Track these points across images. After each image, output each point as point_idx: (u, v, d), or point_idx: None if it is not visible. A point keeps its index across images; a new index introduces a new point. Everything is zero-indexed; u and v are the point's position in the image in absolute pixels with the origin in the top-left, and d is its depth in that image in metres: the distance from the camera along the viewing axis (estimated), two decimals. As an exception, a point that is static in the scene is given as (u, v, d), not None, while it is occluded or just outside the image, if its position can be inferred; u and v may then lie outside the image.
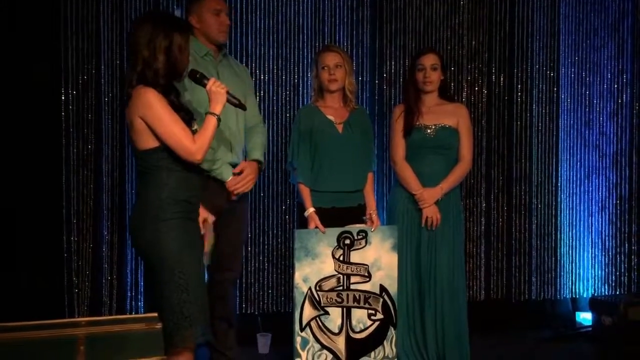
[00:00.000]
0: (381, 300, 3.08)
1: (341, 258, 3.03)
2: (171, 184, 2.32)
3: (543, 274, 4.17)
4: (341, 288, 3.04)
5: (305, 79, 3.86)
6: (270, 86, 3.85)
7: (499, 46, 4.08)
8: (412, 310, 3.24)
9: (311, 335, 3.00)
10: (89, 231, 3.60)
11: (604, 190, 4.24)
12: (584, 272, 4.24)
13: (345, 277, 3.04)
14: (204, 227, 2.49)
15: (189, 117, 2.40)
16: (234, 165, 2.99)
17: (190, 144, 2.30)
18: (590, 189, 4.24)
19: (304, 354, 2.99)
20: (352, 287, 3.05)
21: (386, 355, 3.09)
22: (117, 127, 3.64)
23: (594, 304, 3.94)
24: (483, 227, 4.10)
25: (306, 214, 3.05)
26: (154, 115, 2.26)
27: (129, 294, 3.66)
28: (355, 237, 3.05)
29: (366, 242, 3.06)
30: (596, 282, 4.24)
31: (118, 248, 3.64)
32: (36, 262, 3.47)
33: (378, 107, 3.96)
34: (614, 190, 4.23)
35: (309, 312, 3.00)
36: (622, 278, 4.24)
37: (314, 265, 3.00)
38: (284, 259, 3.89)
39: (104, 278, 3.62)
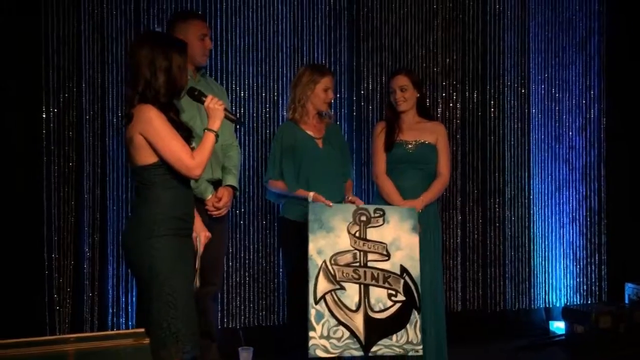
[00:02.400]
0: (402, 281, 2.97)
1: (357, 234, 2.97)
2: (166, 201, 2.36)
3: (517, 285, 4.28)
4: (358, 264, 2.95)
5: (285, 96, 3.93)
6: (250, 103, 3.92)
7: (472, 64, 4.22)
8: None
9: (326, 309, 2.89)
10: (70, 248, 3.60)
11: (574, 202, 4.38)
12: (557, 282, 4.36)
13: (362, 253, 2.96)
14: (195, 243, 2.53)
15: (188, 134, 2.44)
16: (212, 182, 3.06)
17: (189, 160, 2.35)
18: (561, 201, 4.37)
19: (318, 328, 2.88)
20: (369, 264, 2.95)
21: (410, 340, 2.94)
22: (98, 145, 3.66)
23: (567, 313, 4.06)
24: (459, 240, 4.20)
25: (310, 198, 3.02)
26: (154, 131, 2.31)
27: (110, 311, 3.66)
28: (372, 215, 2.99)
29: (384, 221, 2.99)
30: (568, 291, 4.37)
31: (99, 265, 3.64)
32: (17, 280, 3.45)
33: (356, 123, 4.05)
34: (583, 203, 4.37)
35: (323, 285, 2.90)
36: (593, 287, 4.37)
37: (329, 238, 2.94)
38: (264, 274, 3.94)
39: (85, 295, 3.62)
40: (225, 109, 2.51)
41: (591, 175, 4.38)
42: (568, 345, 4.00)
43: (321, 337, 2.87)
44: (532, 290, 4.30)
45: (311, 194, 3.05)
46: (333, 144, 3.25)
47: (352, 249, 2.95)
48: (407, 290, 2.98)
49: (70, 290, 3.60)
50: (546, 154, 4.35)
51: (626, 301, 4.09)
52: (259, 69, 3.91)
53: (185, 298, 2.35)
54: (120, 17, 3.67)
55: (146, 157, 2.35)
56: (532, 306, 4.31)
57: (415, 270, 3.00)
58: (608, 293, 4.34)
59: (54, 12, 3.57)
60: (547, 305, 4.34)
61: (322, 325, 2.88)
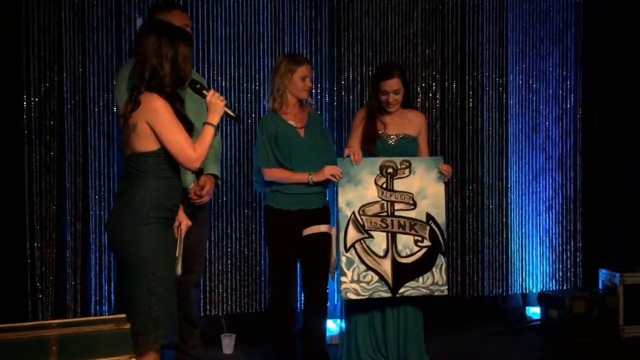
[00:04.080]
0: (428, 228, 3.15)
1: (384, 186, 3.14)
2: (157, 190, 2.39)
3: (495, 271, 4.37)
4: (385, 214, 3.13)
5: (266, 85, 3.96)
6: (232, 93, 3.95)
7: (451, 55, 4.27)
8: (374, 313, 3.28)
9: (356, 257, 3.09)
10: (52, 237, 3.63)
11: (550, 190, 4.46)
12: (533, 268, 4.46)
13: (389, 203, 3.14)
14: (176, 231, 2.56)
15: (189, 126, 2.47)
16: (194, 171, 3.10)
17: (192, 152, 2.39)
18: (538, 189, 4.46)
19: (349, 273, 3.08)
20: (396, 213, 3.13)
21: (435, 281, 3.14)
22: (79, 134, 3.68)
23: (542, 299, 4.14)
24: (438, 228, 4.26)
25: (312, 178, 3.12)
26: (160, 121, 2.35)
27: (93, 299, 3.70)
28: (399, 167, 3.16)
29: (410, 172, 3.16)
30: (544, 277, 4.47)
31: (82, 253, 3.67)
32: (-1, 269, 3.48)
33: (337, 112, 4.10)
34: (559, 191, 4.46)
35: (353, 234, 3.10)
36: (568, 274, 4.47)
37: (357, 191, 3.11)
38: (246, 261, 3.99)
39: (67, 283, 3.65)
40: (226, 105, 2.53)
41: (567, 164, 4.46)
42: (543, 330, 4.09)
43: (352, 281, 3.09)
44: (509, 276, 4.39)
45: (312, 175, 3.13)
46: (315, 132, 3.28)
47: (380, 199, 3.14)
48: (432, 236, 3.16)
49: (52, 278, 3.63)
50: (524, 144, 4.43)
51: (600, 287, 4.19)
52: (241, 59, 3.94)
53: (166, 285, 2.39)
54: (101, 7, 3.69)
55: (147, 145, 2.38)
56: (509, 292, 4.40)
57: (440, 217, 3.18)
58: (583, 279, 4.43)
59: (35, 1, 3.57)
60: (524, 291, 4.43)
61: (353, 271, 3.09)
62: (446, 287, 3.17)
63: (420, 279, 3.12)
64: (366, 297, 3.10)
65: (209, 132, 2.46)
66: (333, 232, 3.23)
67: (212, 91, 2.53)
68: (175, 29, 2.49)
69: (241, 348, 3.74)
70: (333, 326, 4.01)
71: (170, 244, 2.48)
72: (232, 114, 2.60)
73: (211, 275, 3.91)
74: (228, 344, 3.73)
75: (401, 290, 3.11)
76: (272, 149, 3.19)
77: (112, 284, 3.71)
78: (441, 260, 3.15)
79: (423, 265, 3.14)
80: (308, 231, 3.20)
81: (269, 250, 3.39)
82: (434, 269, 3.14)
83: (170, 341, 2.46)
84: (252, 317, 3.95)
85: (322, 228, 3.20)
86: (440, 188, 3.19)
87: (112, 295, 3.70)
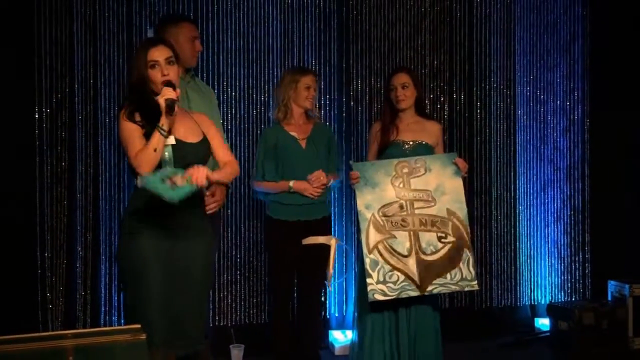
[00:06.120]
0: (450, 223, 3.10)
1: (401, 185, 3.12)
2: (140, 199, 2.40)
3: (503, 282, 4.36)
4: (405, 213, 3.09)
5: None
6: (241, 104, 3.97)
7: (459, 66, 4.29)
8: (386, 323, 3.21)
9: (380, 257, 3.04)
10: (63, 247, 3.64)
11: (558, 201, 4.46)
12: (542, 279, 4.45)
13: (408, 203, 3.11)
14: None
15: (151, 128, 2.41)
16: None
17: (133, 159, 2.37)
18: (546, 200, 4.46)
19: (374, 274, 3.02)
20: (417, 211, 3.10)
21: (464, 277, 3.07)
22: (90, 145, 3.70)
23: (551, 310, 4.13)
24: (446, 238, 4.26)
25: (292, 184, 3.19)
26: (119, 133, 2.43)
27: (102, 309, 3.70)
28: (414, 166, 3.14)
29: (425, 170, 3.14)
30: (553, 289, 4.46)
31: (92, 264, 3.68)
32: (10, 279, 3.48)
33: (346, 124, 4.12)
34: (568, 202, 4.46)
35: (374, 236, 3.06)
36: (577, 285, 4.46)
37: (375, 193, 3.10)
38: (255, 272, 3.99)
39: (77, 294, 3.66)
40: (166, 100, 2.36)
41: (575, 175, 4.47)
42: (552, 341, 4.07)
43: (378, 282, 3.03)
44: (517, 287, 4.38)
45: (291, 182, 3.18)
46: (318, 143, 3.31)
47: (398, 199, 3.11)
48: (456, 231, 3.11)
49: (62, 289, 3.63)
50: (531, 155, 4.43)
51: (609, 298, 4.17)
52: (250, 70, 3.97)
53: (150, 298, 2.33)
54: (113, 19, 3.71)
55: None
56: (518, 303, 4.39)
57: (462, 212, 3.13)
58: (592, 290, 4.42)
59: (47, 13, 3.60)
60: (533, 303, 4.42)
61: (378, 272, 3.04)
62: (476, 281, 3.09)
63: (448, 275, 3.05)
64: (394, 297, 3.02)
65: (153, 137, 2.35)
66: (332, 243, 3.23)
67: (164, 89, 2.39)
68: (141, 47, 2.51)
69: (250, 359, 3.73)
70: (340, 337, 4.01)
71: (158, 255, 2.36)
72: (165, 105, 2.36)
73: (220, 286, 3.91)
74: (237, 355, 3.72)
75: (429, 288, 3.04)
76: (268, 161, 3.23)
77: (121, 295, 3.71)
78: (467, 255, 3.09)
79: (449, 262, 3.07)
80: (307, 241, 3.22)
81: (268, 260, 3.43)
82: (461, 264, 3.07)
83: (185, 353, 2.43)
84: (261, 328, 3.95)
85: (320, 239, 3.21)
86: (459, 182, 3.15)
87: (122, 306, 3.70)
